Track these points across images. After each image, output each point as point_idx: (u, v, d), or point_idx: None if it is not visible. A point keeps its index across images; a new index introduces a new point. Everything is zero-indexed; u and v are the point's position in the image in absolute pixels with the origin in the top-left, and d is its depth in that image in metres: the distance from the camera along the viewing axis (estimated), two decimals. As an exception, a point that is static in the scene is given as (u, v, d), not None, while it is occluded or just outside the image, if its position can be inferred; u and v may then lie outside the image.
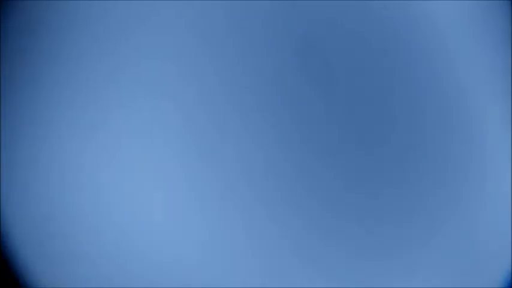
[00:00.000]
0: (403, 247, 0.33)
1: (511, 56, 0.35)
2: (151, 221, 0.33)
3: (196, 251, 0.33)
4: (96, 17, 0.34)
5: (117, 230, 0.33)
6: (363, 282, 0.33)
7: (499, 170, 0.34)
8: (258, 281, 0.33)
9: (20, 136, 0.34)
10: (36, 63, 0.34)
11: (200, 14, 0.33)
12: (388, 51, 0.33)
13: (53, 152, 0.34)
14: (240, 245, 0.33)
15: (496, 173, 0.34)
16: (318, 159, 0.33)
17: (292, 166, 0.33)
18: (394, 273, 0.33)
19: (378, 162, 0.33)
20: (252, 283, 0.33)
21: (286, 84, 0.33)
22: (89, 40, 0.34)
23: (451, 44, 0.34)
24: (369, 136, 0.33)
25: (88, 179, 0.33)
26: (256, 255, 0.33)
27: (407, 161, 0.33)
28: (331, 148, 0.33)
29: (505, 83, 0.35)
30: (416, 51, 0.33)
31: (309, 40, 0.33)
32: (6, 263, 0.36)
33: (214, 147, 0.33)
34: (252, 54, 0.33)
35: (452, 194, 0.34)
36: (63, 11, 0.34)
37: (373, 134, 0.33)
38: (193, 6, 0.33)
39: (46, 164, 0.34)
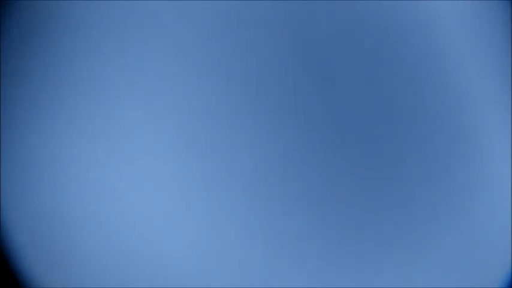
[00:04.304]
0: (403, 248, 0.33)
1: (511, 56, 0.35)
2: (151, 220, 0.33)
3: (195, 250, 0.33)
4: (94, 16, 0.34)
5: (116, 230, 0.33)
6: (364, 282, 0.33)
7: (499, 170, 0.34)
8: (258, 281, 0.33)
9: (20, 136, 0.34)
10: (36, 62, 0.34)
11: (201, 13, 0.33)
12: (387, 51, 0.33)
13: (53, 152, 0.34)
14: (238, 244, 0.33)
15: (496, 173, 0.34)
16: (319, 156, 0.33)
17: (290, 161, 0.33)
18: (394, 274, 0.33)
19: (377, 163, 0.33)
20: (252, 283, 0.33)
21: (287, 85, 0.33)
22: (87, 39, 0.34)
23: (451, 44, 0.34)
24: (370, 137, 0.33)
25: (88, 180, 0.33)
26: (258, 256, 0.33)
27: (406, 162, 0.33)
28: (332, 147, 0.33)
29: (505, 83, 0.35)
30: (415, 52, 0.33)
31: (309, 39, 0.33)
32: (6, 263, 0.36)
33: (211, 146, 0.33)
34: (251, 54, 0.33)
35: (451, 194, 0.34)
36: (62, 10, 0.34)
37: (373, 134, 0.33)
38: (194, 5, 0.33)
39: (46, 164, 0.34)
